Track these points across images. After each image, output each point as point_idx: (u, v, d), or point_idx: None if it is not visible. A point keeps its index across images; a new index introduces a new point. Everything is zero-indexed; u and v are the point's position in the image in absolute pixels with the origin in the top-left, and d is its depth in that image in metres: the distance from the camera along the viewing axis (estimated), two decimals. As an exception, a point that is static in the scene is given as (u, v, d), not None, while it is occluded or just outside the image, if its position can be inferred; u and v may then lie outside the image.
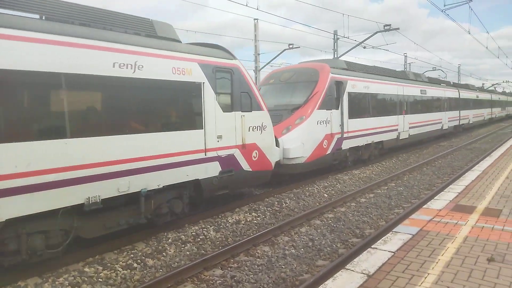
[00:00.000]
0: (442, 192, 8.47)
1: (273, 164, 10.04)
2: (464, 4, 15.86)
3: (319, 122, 12.15)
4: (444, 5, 15.66)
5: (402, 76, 20.62)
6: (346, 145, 13.74)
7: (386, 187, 11.86)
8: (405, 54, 41.12)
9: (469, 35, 21.87)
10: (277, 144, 10.48)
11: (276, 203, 9.87)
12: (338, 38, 26.09)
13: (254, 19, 22.75)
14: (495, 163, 12.17)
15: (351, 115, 14.07)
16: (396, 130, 17.78)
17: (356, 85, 14.67)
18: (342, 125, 13.45)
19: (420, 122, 20.73)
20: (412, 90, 20.14)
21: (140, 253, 6.55)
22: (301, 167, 11.67)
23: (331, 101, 12.91)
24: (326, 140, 12.49)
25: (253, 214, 8.95)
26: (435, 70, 43.96)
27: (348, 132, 13.79)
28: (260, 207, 9.49)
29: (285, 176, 11.83)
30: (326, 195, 10.92)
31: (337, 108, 13.26)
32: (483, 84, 69.61)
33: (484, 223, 6.03)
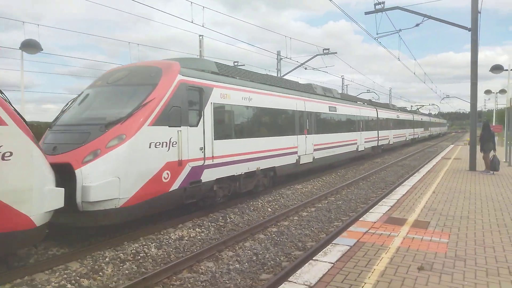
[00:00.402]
0: (377, 206, 9.01)
1: (35, 218, 5.83)
2: (394, 33, 17.30)
3: (152, 144, 8.20)
4: (377, 33, 16.96)
5: (307, 89, 17.46)
6: (209, 175, 10.01)
7: (326, 201, 12.33)
8: (342, 76, 43.66)
9: (399, 61, 23.65)
10: (75, 180, 6.98)
11: (220, 218, 9.81)
12: (281, 59, 26.99)
13: (199, 35, 22.84)
14: (423, 179, 13.23)
15: (219, 135, 10.46)
16: (296, 153, 14.78)
17: (229, 94, 11.06)
18: (203, 148, 9.79)
19: (328, 144, 18.02)
20: (318, 106, 17.25)
21: (74, 273, 6.14)
22: (116, 216, 7.55)
23: (180, 114, 9.01)
24: (168, 171, 8.58)
25: (197, 229, 8.82)
26: (369, 92, 46.96)
27: (213, 157, 10.12)
28: (204, 222, 9.39)
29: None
30: (270, 209, 11.09)
31: (195, 125, 9.56)
32: (411, 106, 75.55)
33: (414, 234, 6.51)
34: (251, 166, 11.92)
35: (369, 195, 13.53)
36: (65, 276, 6.04)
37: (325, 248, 5.69)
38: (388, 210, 8.37)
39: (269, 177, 13.28)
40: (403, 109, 47.77)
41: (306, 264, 5.02)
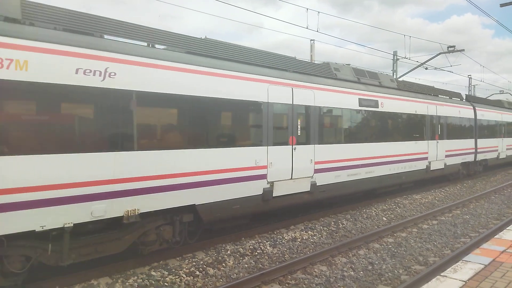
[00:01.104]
0: (516, 223, 7.87)
1: None
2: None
3: None
4: (516, 26, 14.72)
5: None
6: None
7: (450, 214, 11.21)
8: (469, 76, 39.02)
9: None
10: None
11: (332, 223, 9.73)
12: (398, 59, 25.48)
13: (311, 40, 22.97)
14: None
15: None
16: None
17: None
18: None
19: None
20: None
21: (201, 262, 6.79)
22: None
23: None
24: None
25: (309, 232, 8.90)
26: (502, 93, 41.04)
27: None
28: (316, 226, 9.42)
29: None
30: (385, 219, 10.57)
31: None
32: None
33: None
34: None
35: (503, 210, 11.87)
36: (194, 263, 6.71)
37: (455, 265, 5.21)
38: (532, 229, 7.24)
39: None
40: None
41: (434, 279, 4.67)
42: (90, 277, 6.01)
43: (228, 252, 7.35)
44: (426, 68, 21.87)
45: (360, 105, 11.17)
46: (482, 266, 5.16)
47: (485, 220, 10.70)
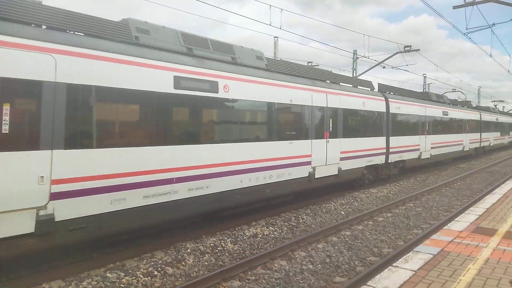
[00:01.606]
0: (463, 214, 8.37)
1: None
2: (486, 28, 15.79)
3: None
4: (467, 29, 15.54)
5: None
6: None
7: (404, 207, 11.73)
8: (424, 75, 40.90)
9: (489, 58, 21.68)
10: None
11: (293, 218, 9.88)
12: (357, 58, 26.23)
13: (274, 37, 23.12)
14: (517, 187, 11.94)
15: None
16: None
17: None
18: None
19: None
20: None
21: (160, 261, 6.66)
22: None
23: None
24: None
25: (270, 228, 8.99)
26: (454, 91, 43.44)
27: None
28: (277, 221, 9.53)
29: None
30: (343, 212, 10.88)
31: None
32: (503, 107, 67.53)
33: (506, 246, 5.95)
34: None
35: (452, 202, 12.58)
36: (152, 263, 6.57)
37: (406, 255, 5.46)
38: (476, 219, 7.72)
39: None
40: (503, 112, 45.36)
41: (386, 270, 4.87)
42: (41, 280, 5.75)
43: (188, 250, 7.26)
44: (384, 67, 22.67)
45: (181, 88, 7.55)
46: (431, 256, 5.44)
47: (436, 212, 11.30)
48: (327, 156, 11.70)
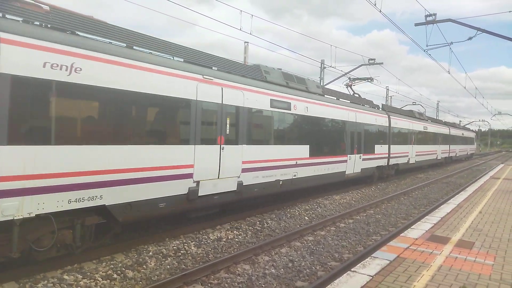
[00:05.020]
0: (419, 222, 8.77)
1: None
2: (445, 46, 16.74)
3: None
4: (427, 45, 16.45)
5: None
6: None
7: (365, 214, 12.12)
8: (386, 87, 42.43)
9: (447, 74, 22.97)
10: None
11: (258, 222, 9.96)
12: (325, 67, 26.85)
13: (245, 42, 23.24)
14: (470, 198, 12.66)
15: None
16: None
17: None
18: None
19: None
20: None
21: (120, 264, 6.51)
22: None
23: None
24: None
25: (235, 232, 9.01)
26: (415, 104, 45.33)
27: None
28: (242, 225, 9.56)
29: None
30: (307, 218, 11.09)
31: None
32: (460, 121, 71.59)
33: (458, 254, 6.30)
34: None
35: (410, 211, 13.14)
36: (112, 266, 6.41)
37: (364, 261, 5.66)
38: (431, 227, 8.12)
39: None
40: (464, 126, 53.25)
41: (344, 275, 5.03)
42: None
43: (150, 253, 7.14)
44: (349, 78, 23.31)
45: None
46: (388, 262, 5.67)
47: (395, 219, 11.75)
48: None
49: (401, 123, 22.06)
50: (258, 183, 10.37)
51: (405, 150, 22.43)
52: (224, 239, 8.46)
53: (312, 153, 12.66)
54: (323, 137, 13.67)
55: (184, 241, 8.03)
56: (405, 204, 14.32)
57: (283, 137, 11.56)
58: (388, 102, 40.99)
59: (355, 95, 19.55)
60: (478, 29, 15.31)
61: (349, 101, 16.52)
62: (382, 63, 21.49)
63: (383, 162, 19.21)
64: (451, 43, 16.69)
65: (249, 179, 10.02)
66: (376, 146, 18.11)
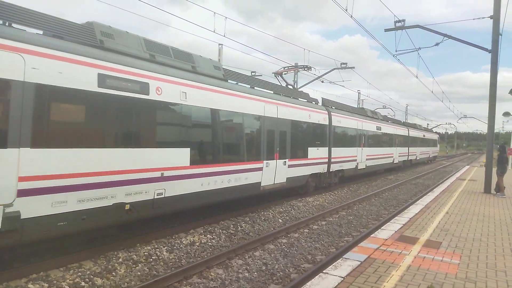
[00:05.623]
0: (389, 223, 8.98)
1: None
2: (413, 51, 17.31)
3: None
4: (396, 51, 16.95)
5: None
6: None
7: (337, 216, 12.30)
8: (358, 91, 43.47)
9: (415, 78, 23.65)
10: None
11: (231, 226, 9.90)
12: (298, 71, 27.14)
13: (219, 44, 23.17)
14: (437, 199, 13.09)
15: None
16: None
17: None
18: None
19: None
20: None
21: (88, 272, 6.30)
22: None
23: None
24: None
25: (208, 236, 8.92)
26: (385, 108, 46.57)
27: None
28: (216, 229, 9.49)
29: None
30: (280, 220, 11.13)
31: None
32: (427, 124, 74.28)
33: (426, 253, 6.48)
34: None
35: (380, 212, 13.44)
36: (79, 274, 6.20)
37: (336, 262, 5.73)
38: (400, 228, 8.34)
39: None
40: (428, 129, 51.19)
41: (316, 277, 5.07)
42: None
43: (120, 260, 6.96)
44: (322, 81, 23.71)
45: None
46: (359, 263, 5.76)
47: (366, 220, 11.99)
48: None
49: (346, 122, 18.43)
50: (62, 212, 6.17)
51: (352, 154, 19.01)
52: (197, 244, 8.36)
53: (197, 160, 9.12)
54: (219, 137, 10.03)
55: (156, 246, 7.88)
56: (376, 205, 14.64)
57: (129, 136, 7.48)
58: (360, 105, 41.89)
59: (289, 86, 16.52)
60: (444, 35, 15.91)
61: (272, 92, 13.02)
62: (353, 67, 21.99)
63: (320, 169, 15.69)
64: (419, 48, 17.28)
65: (41, 206, 5.87)
66: (310, 149, 14.67)
